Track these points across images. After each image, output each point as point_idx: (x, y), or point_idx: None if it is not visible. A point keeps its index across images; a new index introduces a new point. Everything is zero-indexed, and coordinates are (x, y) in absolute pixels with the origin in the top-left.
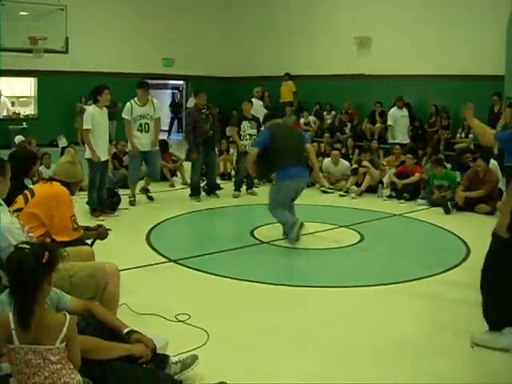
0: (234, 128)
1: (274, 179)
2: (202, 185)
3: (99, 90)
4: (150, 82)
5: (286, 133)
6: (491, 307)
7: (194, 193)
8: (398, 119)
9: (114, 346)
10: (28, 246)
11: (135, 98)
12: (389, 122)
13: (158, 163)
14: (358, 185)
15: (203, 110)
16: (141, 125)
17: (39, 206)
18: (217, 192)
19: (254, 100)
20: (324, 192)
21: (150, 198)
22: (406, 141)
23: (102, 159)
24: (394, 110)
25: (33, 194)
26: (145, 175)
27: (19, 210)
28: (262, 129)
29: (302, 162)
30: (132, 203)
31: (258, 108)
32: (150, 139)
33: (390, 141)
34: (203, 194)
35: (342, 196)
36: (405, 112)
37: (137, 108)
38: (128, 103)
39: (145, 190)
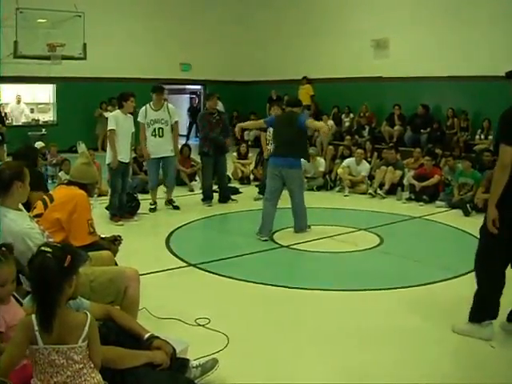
0: (263, 134)
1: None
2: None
3: (125, 97)
4: (167, 87)
5: (285, 123)
6: (475, 300)
7: (206, 198)
8: None
9: (137, 355)
10: (50, 249)
11: (150, 103)
12: None
13: (171, 170)
14: (380, 185)
15: (214, 114)
16: (155, 130)
17: (58, 210)
18: (233, 197)
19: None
20: (346, 196)
21: (177, 208)
22: None
23: (124, 160)
24: None
25: (51, 199)
26: (163, 183)
27: (39, 215)
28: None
29: (290, 153)
30: (152, 210)
31: None
32: (165, 145)
33: None
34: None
35: (372, 197)
36: None
37: (151, 112)
38: (143, 107)
39: (169, 202)
